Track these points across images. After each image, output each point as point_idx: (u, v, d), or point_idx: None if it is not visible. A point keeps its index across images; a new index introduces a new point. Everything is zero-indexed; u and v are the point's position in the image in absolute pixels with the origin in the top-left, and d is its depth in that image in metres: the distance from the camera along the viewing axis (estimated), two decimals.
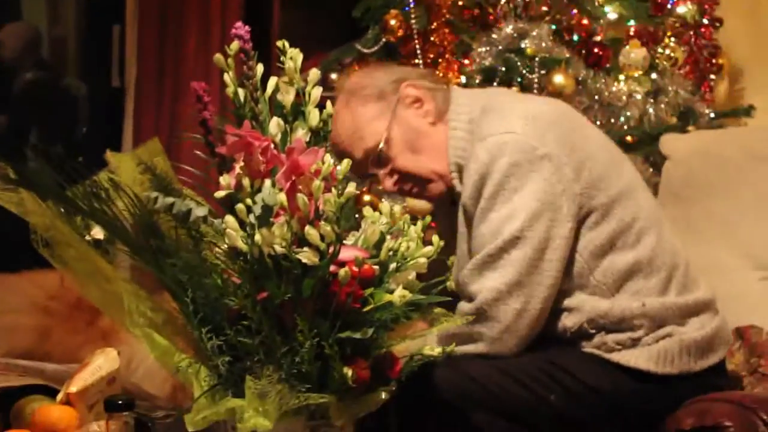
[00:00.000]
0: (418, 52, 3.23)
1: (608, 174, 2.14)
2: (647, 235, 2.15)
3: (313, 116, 1.69)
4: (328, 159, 1.59)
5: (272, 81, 1.71)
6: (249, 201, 1.58)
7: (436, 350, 1.72)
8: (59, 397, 1.88)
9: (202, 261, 1.65)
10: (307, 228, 1.54)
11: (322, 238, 1.55)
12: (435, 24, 3.26)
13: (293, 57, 1.71)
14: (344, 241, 1.65)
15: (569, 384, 2.08)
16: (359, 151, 2.18)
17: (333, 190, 1.59)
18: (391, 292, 1.62)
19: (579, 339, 2.11)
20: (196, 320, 1.62)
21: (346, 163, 1.65)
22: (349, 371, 1.58)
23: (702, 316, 2.17)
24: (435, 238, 1.70)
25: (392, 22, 3.24)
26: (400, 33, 3.25)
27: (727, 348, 2.23)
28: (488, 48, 3.15)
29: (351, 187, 1.61)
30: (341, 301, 1.57)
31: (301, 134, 1.69)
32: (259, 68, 1.70)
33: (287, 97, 1.70)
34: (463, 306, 2.05)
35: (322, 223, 1.55)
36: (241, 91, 1.71)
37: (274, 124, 1.69)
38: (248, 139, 1.62)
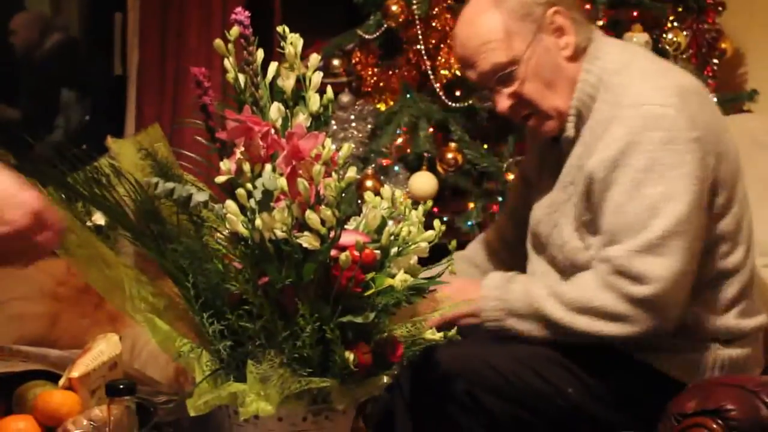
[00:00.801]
0: (420, 37, 3.22)
1: (734, 174, 2.12)
2: (740, 245, 2.12)
3: (314, 101, 1.68)
4: (329, 144, 1.58)
5: (272, 66, 1.71)
6: (249, 186, 1.58)
7: (437, 335, 1.72)
8: (61, 382, 1.87)
9: (203, 246, 1.64)
10: (308, 212, 1.53)
11: (323, 222, 1.54)
12: (436, 9, 3.26)
13: (293, 42, 1.70)
14: (345, 226, 1.65)
15: (589, 379, 2.08)
16: (487, 62, 2.12)
17: (334, 174, 1.59)
18: (393, 276, 1.62)
19: None
20: (198, 305, 1.62)
21: (347, 147, 1.63)
22: (350, 355, 1.57)
23: (748, 338, 2.15)
24: (436, 223, 1.70)
25: (394, 7, 3.23)
26: (402, 18, 3.24)
27: (759, 370, 2.21)
28: None
29: (351, 172, 1.60)
30: (342, 285, 1.57)
31: (301, 119, 1.69)
32: (260, 54, 1.70)
33: (287, 83, 1.69)
34: (619, 282, 1.99)
35: (323, 207, 1.54)
36: (241, 77, 1.70)
37: (275, 109, 1.68)
38: (248, 124, 1.61)
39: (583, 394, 2.07)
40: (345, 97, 3.30)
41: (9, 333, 2.11)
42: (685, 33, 3.28)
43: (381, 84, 3.37)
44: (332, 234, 1.56)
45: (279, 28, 1.71)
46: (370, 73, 3.38)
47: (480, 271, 2.38)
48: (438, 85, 3.19)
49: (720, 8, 3.39)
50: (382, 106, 3.34)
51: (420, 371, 2.09)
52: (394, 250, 1.65)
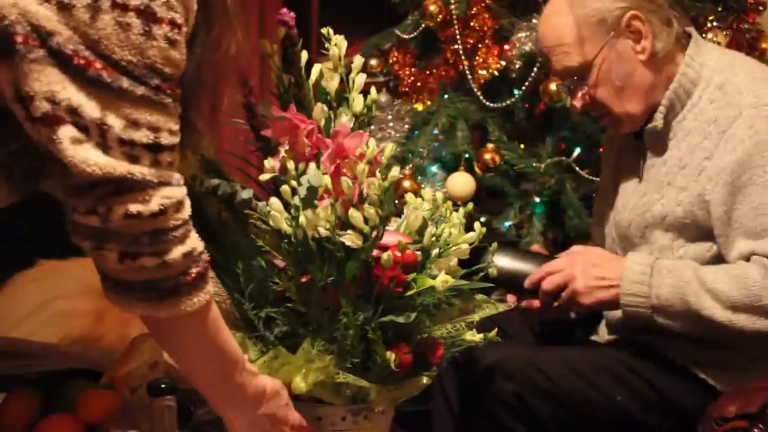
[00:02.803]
0: (458, 37, 3.21)
1: None
2: None
3: (358, 102, 1.69)
4: (373, 143, 1.59)
5: (317, 67, 1.72)
6: (294, 183, 1.59)
7: (477, 336, 1.71)
8: (102, 381, 1.89)
9: (248, 244, 1.65)
10: (351, 210, 1.54)
11: (366, 221, 1.55)
12: (475, 9, 3.24)
13: (338, 44, 1.70)
14: (386, 227, 1.65)
15: (638, 387, 2.08)
16: (559, 64, 2.14)
17: (377, 173, 1.59)
18: (434, 277, 1.62)
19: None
20: (246, 298, 1.64)
21: (390, 147, 1.64)
22: (392, 355, 1.58)
23: None
24: (477, 225, 1.69)
25: (432, 7, 3.22)
26: (440, 18, 3.23)
27: None
28: (528, 33, 3.13)
29: (394, 172, 1.60)
30: (384, 285, 1.57)
31: (344, 120, 1.70)
32: (304, 55, 1.71)
33: (331, 84, 1.70)
34: None
35: (366, 206, 1.55)
36: (285, 77, 1.71)
37: (319, 110, 1.68)
38: (294, 121, 1.62)
39: (631, 401, 2.06)
40: (382, 97, 3.30)
41: (54, 330, 2.12)
42: (725, 33, 3.25)
43: (418, 84, 3.36)
44: (375, 233, 1.57)
45: (323, 30, 1.72)
46: (407, 72, 3.38)
47: None
48: (475, 85, 3.17)
49: (761, 8, 3.35)
50: (419, 106, 3.33)
51: (466, 372, 2.09)
52: (435, 251, 1.65)
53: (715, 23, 3.26)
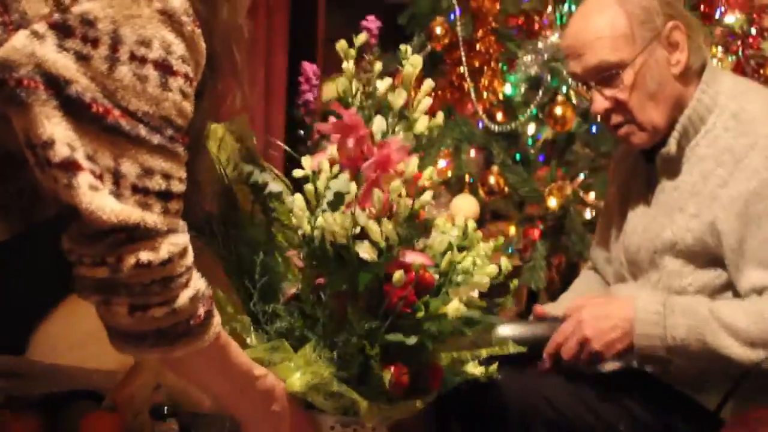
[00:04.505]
0: (464, 60, 3.22)
1: None
2: None
3: (421, 123, 1.65)
4: (414, 162, 1.56)
5: (387, 81, 1.67)
6: (321, 184, 1.58)
7: (478, 369, 1.71)
8: (105, 402, 1.89)
9: (268, 238, 1.65)
10: (371, 222, 1.53)
11: (384, 236, 1.54)
12: (480, 32, 3.25)
13: (414, 63, 1.68)
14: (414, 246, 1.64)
15: (641, 415, 2.07)
16: (594, 57, 2.08)
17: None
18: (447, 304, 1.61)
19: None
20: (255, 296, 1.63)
21: (429, 170, 1.61)
22: (388, 374, 1.56)
23: None
24: (504, 261, 1.66)
25: (438, 29, 3.24)
26: (446, 41, 3.25)
27: None
28: (534, 57, 3.14)
29: (427, 196, 1.57)
30: (392, 303, 1.56)
31: (401, 138, 1.65)
32: (378, 65, 1.68)
33: (398, 100, 1.65)
34: None
35: (385, 221, 1.53)
36: (354, 84, 1.68)
37: (379, 122, 1.65)
38: (350, 122, 1.60)
39: (635, 431, 2.06)
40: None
41: (108, 359, 2.12)
42: (730, 58, 3.26)
43: None
44: (391, 250, 1.55)
45: (402, 47, 1.70)
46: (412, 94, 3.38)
47: None
48: (481, 108, 3.18)
49: (766, 34, 3.36)
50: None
51: (469, 397, 2.09)
52: (455, 278, 1.63)
53: (720, 48, 3.26)
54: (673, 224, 2.09)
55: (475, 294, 1.65)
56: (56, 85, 1.21)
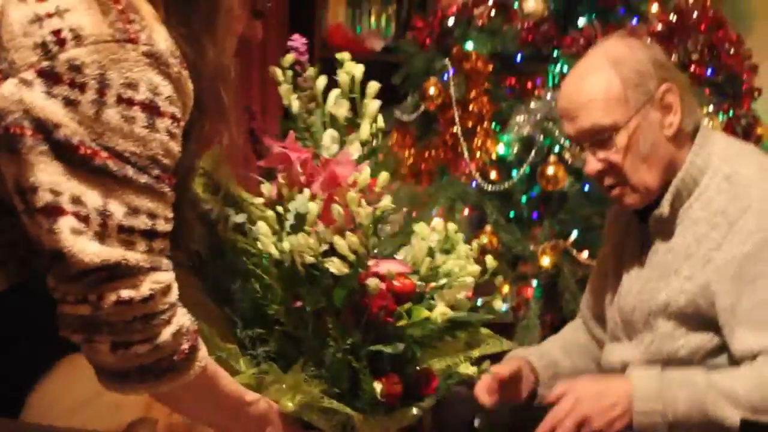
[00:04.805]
0: (457, 120, 3.24)
1: None
2: None
3: (364, 129, 1.66)
4: (366, 172, 1.56)
5: (333, 93, 1.69)
6: (280, 209, 1.59)
7: (471, 369, 1.67)
8: None
9: (244, 265, 1.65)
10: (336, 238, 1.53)
11: (352, 250, 1.54)
12: (473, 92, 3.27)
13: (348, 71, 1.69)
14: (395, 256, 1.65)
15: None
16: (588, 120, 2.07)
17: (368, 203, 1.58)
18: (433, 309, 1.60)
19: None
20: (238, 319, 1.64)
21: (384, 176, 1.60)
22: (378, 385, 1.55)
23: None
24: (489, 258, 1.66)
25: (431, 90, 3.26)
26: (439, 101, 3.27)
27: None
28: (526, 117, 3.16)
29: (386, 200, 1.58)
30: (373, 313, 1.54)
31: (355, 147, 1.67)
32: (321, 81, 1.69)
33: (340, 110, 1.68)
34: None
35: (348, 233, 1.53)
36: (296, 104, 1.70)
37: (328, 137, 1.66)
38: (288, 151, 1.62)
39: None
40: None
41: (108, 422, 2.10)
42: (720, 118, 3.29)
43: (418, 165, 3.39)
44: (370, 262, 1.56)
45: (338, 56, 1.70)
46: (407, 154, 3.41)
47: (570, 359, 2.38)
48: (474, 167, 3.20)
49: (756, 94, 3.40)
50: (418, 187, 3.36)
51: None
52: (435, 283, 1.62)
53: (711, 109, 3.29)
54: (667, 287, 2.08)
55: (462, 295, 1.63)
56: (44, 130, 1.23)
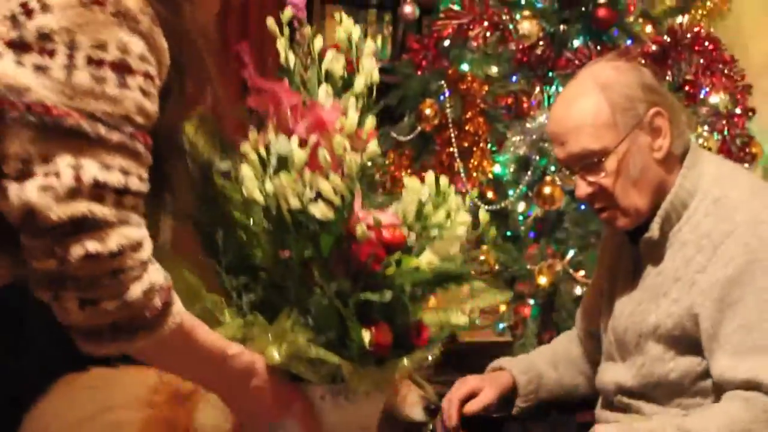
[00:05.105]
0: (453, 140, 3.25)
1: None
2: None
3: (358, 83, 1.62)
4: (353, 116, 1.53)
5: (330, 52, 1.66)
6: (263, 151, 1.56)
7: (462, 319, 1.65)
8: None
9: (228, 215, 1.63)
10: (321, 181, 1.50)
11: (340, 194, 1.51)
12: (469, 113, 3.28)
13: (345, 27, 1.66)
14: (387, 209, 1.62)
15: None
16: (577, 145, 2.07)
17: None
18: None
19: None
20: (223, 267, 1.61)
21: (370, 121, 1.57)
22: (367, 334, 1.51)
23: None
24: (482, 212, 1.67)
25: (428, 111, 3.27)
26: (436, 122, 3.28)
27: None
28: (522, 137, 3.18)
29: (373, 146, 1.55)
30: (361, 261, 1.51)
31: (350, 102, 1.61)
32: (318, 40, 1.66)
33: (336, 66, 1.64)
34: (761, 399, 1.93)
35: (332, 175, 1.50)
36: (293, 58, 1.66)
37: (323, 92, 1.62)
38: (277, 93, 1.58)
39: None
40: (379, 198, 3.32)
41: None
42: (715, 138, 3.30)
43: None
44: (348, 206, 1.53)
45: (335, 14, 1.70)
46: (403, 174, 3.41)
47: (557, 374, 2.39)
48: (470, 187, 3.21)
49: (750, 114, 3.41)
50: None
51: None
52: (430, 232, 1.60)
53: (705, 128, 3.31)
54: (657, 309, 2.08)
55: (456, 249, 1.62)
56: (16, 96, 1.24)
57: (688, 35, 3.29)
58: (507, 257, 3.17)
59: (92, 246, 1.26)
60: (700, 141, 3.25)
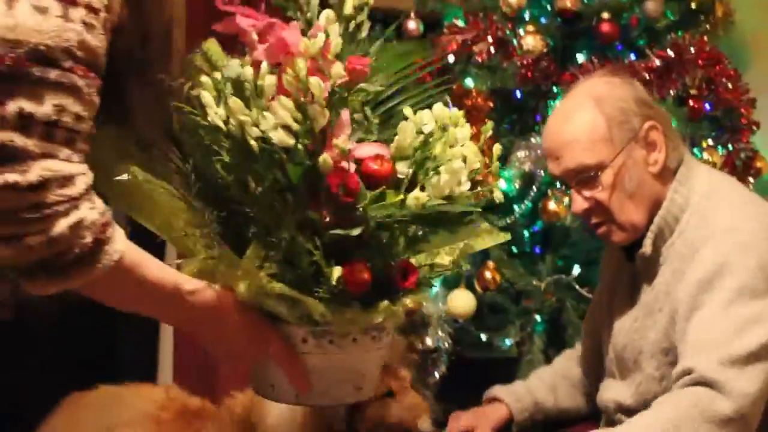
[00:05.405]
0: None
1: None
2: None
3: (348, 4, 1.57)
4: (320, 37, 1.44)
5: None
6: (218, 75, 1.48)
7: (446, 259, 1.57)
8: None
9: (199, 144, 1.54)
10: (275, 103, 1.42)
11: (305, 120, 1.43)
12: (474, 129, 3.26)
13: None
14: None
15: None
16: (573, 160, 2.08)
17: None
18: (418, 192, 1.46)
19: None
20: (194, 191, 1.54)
21: (337, 42, 1.47)
22: (336, 270, 1.43)
23: None
24: (497, 147, 1.59)
25: None
26: None
27: None
28: (527, 152, 3.17)
29: (338, 68, 1.44)
30: (331, 192, 1.42)
31: (327, 20, 1.52)
32: None
33: None
34: (713, 399, 1.87)
35: (282, 99, 1.42)
36: None
37: (324, 17, 1.52)
38: (244, 15, 1.52)
39: None
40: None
41: None
42: (720, 152, 3.30)
43: None
44: (348, 145, 1.45)
45: None
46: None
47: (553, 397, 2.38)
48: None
49: (754, 128, 3.41)
50: None
51: None
52: (428, 165, 1.49)
53: (710, 142, 3.30)
54: (654, 326, 2.08)
55: (465, 188, 1.51)
56: None
57: (692, 50, 3.28)
58: (513, 273, 3.16)
59: (11, 176, 1.22)
60: (705, 155, 3.25)
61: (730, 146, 3.33)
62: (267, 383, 1.56)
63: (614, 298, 2.24)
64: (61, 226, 1.26)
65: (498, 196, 1.57)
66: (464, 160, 1.51)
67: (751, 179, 3.36)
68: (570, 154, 2.08)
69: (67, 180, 1.26)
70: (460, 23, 3.26)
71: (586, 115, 2.08)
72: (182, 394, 2.13)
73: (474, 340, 3.13)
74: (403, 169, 1.49)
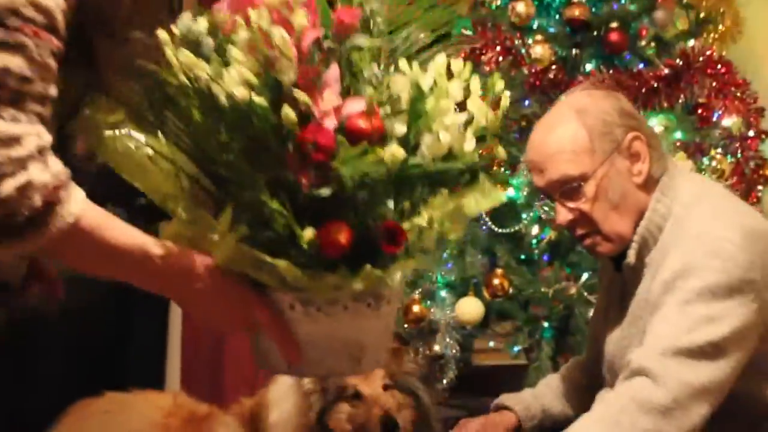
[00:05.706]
0: None
1: None
2: None
3: None
4: None
5: None
6: (177, 30, 1.42)
7: (423, 219, 1.42)
8: None
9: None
10: (231, 50, 1.36)
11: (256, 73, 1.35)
12: None
13: None
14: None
15: None
16: (556, 172, 2.07)
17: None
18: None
19: None
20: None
21: None
22: (308, 233, 1.34)
23: None
24: (505, 95, 1.49)
25: None
26: None
27: None
28: None
29: (301, 18, 1.37)
30: (301, 149, 1.34)
31: None
32: None
33: None
34: (647, 388, 1.87)
35: (234, 50, 1.36)
36: None
37: None
38: None
39: None
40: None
41: None
42: (729, 160, 3.31)
43: None
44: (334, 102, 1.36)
45: None
46: None
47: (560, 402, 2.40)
48: (484, 211, 3.21)
49: (763, 136, 3.42)
50: None
51: None
52: (420, 122, 1.40)
53: (719, 150, 3.31)
54: (638, 333, 2.06)
55: (470, 146, 1.43)
56: None
57: (701, 59, 3.29)
58: (521, 280, 3.17)
59: None
60: (714, 163, 3.26)
61: (739, 155, 3.33)
62: (262, 353, 1.51)
63: (608, 308, 2.25)
64: (8, 187, 1.23)
65: (500, 153, 1.54)
66: (471, 117, 1.44)
67: (760, 187, 3.37)
68: (554, 165, 2.08)
69: (13, 140, 1.24)
70: (468, 32, 3.28)
71: (569, 126, 2.08)
72: (190, 400, 2.14)
73: (482, 347, 3.14)
74: (401, 127, 1.40)
